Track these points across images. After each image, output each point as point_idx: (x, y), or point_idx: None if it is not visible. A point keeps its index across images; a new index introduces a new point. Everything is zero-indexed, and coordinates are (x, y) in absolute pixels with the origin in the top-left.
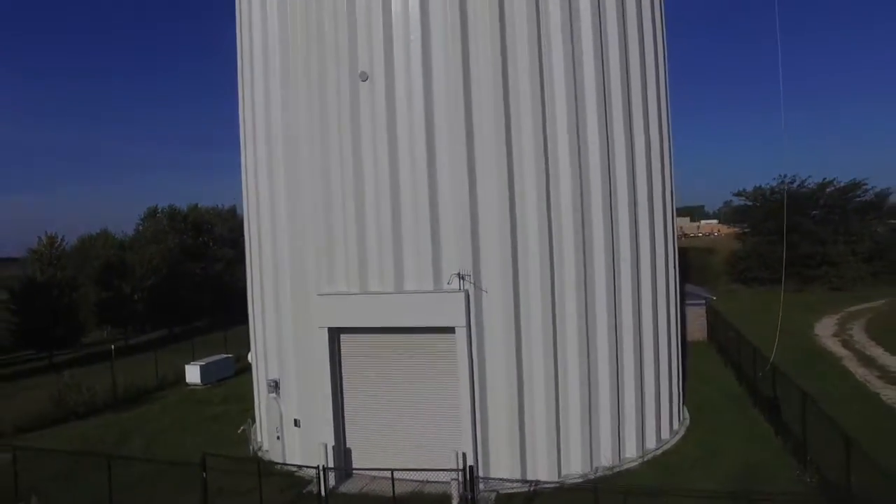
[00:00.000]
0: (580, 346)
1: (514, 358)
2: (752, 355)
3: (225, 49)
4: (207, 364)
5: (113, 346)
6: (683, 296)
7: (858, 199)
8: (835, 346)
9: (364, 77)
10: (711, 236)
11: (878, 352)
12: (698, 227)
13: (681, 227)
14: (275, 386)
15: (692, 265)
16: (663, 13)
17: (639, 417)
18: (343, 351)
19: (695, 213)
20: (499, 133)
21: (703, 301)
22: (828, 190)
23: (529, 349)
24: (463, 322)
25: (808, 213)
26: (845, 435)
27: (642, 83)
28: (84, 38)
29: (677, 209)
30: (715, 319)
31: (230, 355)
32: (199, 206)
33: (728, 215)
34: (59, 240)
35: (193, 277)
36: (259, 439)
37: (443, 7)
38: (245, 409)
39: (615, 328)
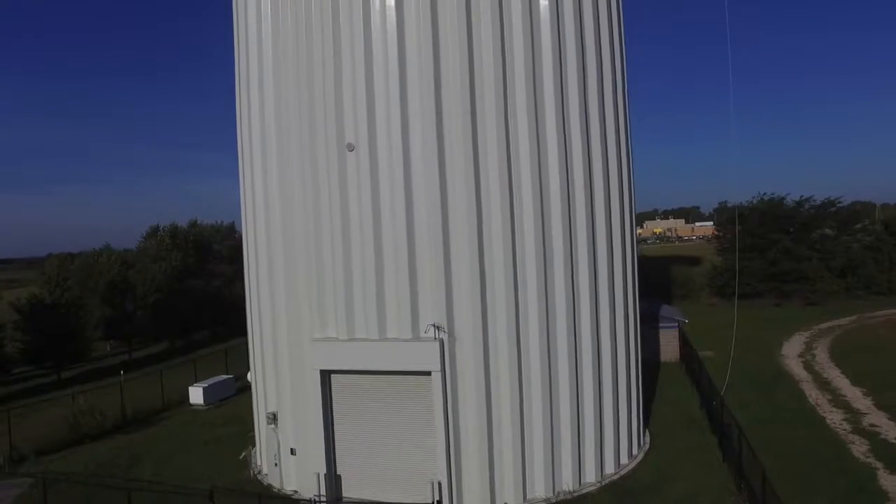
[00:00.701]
0: (543, 383)
1: (484, 396)
2: (709, 382)
3: (226, 60)
4: (210, 385)
5: (122, 372)
6: (656, 319)
7: (834, 215)
8: (797, 368)
9: (350, 148)
10: (704, 240)
11: (834, 374)
12: (692, 229)
13: (675, 230)
14: (273, 418)
15: (675, 279)
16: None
17: (597, 445)
18: (334, 389)
19: (690, 214)
20: (470, 199)
21: (676, 324)
22: (805, 207)
23: (497, 387)
24: (438, 367)
25: (787, 231)
26: (762, 468)
27: (601, 120)
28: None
29: (672, 211)
30: (686, 341)
31: (230, 376)
32: (197, 221)
33: (719, 217)
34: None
35: (194, 294)
36: (259, 463)
37: (419, 88)
38: (245, 431)
39: (576, 366)
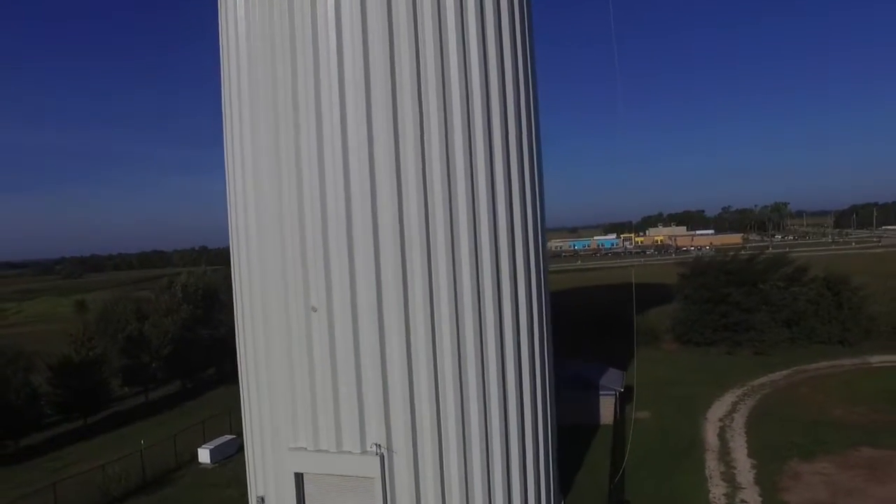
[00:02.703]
0: (459, 484)
1: (414, 494)
2: (618, 458)
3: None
4: (215, 447)
5: (143, 441)
6: (597, 388)
7: (782, 271)
8: (711, 434)
9: (314, 309)
10: (701, 251)
11: (739, 443)
12: (692, 238)
13: (675, 239)
14: (261, 501)
15: (638, 329)
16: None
17: None
18: (305, 486)
19: (693, 219)
20: (401, 346)
21: (613, 392)
22: (758, 260)
23: (425, 487)
24: (378, 474)
25: (738, 285)
26: None
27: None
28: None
29: (677, 216)
30: (624, 405)
31: (233, 436)
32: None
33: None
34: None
35: (203, 342)
36: None
37: (364, 251)
38: (245, 493)
39: (487, 470)
